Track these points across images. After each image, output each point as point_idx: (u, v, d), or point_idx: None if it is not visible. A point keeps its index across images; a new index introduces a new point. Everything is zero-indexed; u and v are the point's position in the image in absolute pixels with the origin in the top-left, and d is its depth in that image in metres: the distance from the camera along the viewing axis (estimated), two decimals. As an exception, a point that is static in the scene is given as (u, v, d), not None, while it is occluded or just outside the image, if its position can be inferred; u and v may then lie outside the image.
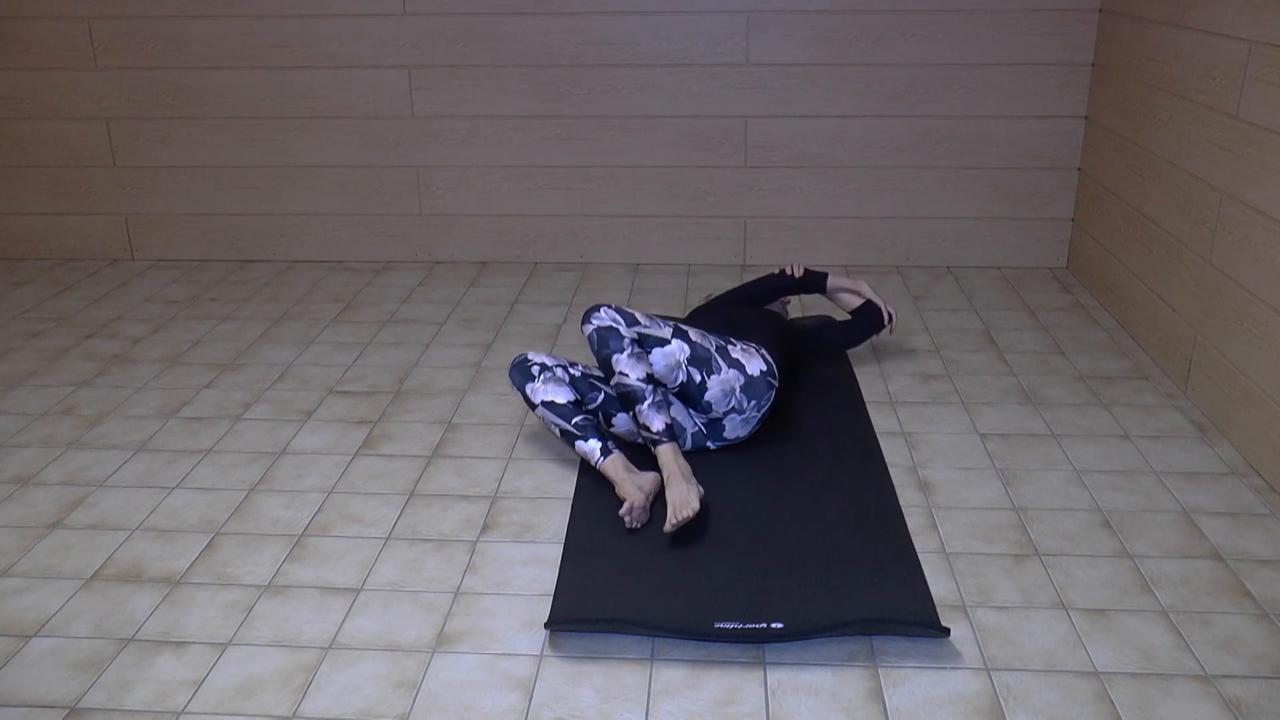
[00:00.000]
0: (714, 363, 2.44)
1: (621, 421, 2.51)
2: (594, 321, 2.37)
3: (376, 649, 1.90)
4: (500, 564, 2.15)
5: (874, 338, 3.20)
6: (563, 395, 2.43)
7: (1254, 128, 2.56)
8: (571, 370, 2.49)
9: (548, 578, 2.10)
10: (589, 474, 2.45)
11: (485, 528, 2.28)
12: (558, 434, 2.42)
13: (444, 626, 1.96)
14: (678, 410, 2.49)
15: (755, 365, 2.48)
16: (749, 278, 3.88)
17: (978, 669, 1.83)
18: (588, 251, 4.05)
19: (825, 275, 3.01)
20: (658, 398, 2.33)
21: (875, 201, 3.91)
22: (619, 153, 3.91)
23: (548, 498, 2.40)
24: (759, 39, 3.74)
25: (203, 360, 3.17)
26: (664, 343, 2.41)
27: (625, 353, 2.34)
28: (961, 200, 3.89)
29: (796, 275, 3.00)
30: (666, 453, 2.28)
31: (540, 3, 3.75)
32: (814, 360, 3.09)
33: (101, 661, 1.87)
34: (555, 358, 2.52)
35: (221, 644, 1.91)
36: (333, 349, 3.25)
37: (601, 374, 2.49)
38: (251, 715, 1.74)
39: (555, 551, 2.19)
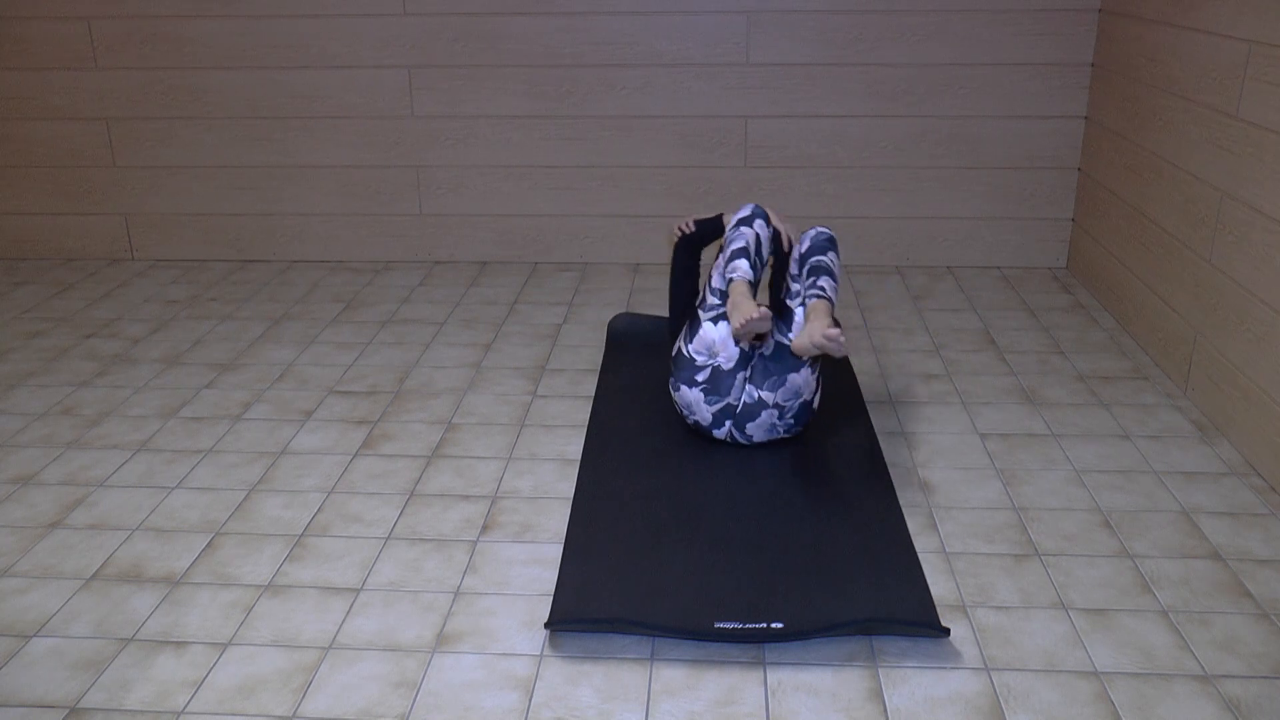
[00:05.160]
0: (817, 364, 2.53)
1: (721, 330, 2.51)
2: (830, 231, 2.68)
3: (376, 649, 1.90)
4: (500, 564, 2.15)
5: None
6: (765, 251, 2.55)
7: (1254, 128, 2.56)
8: (767, 268, 2.63)
9: (548, 578, 2.10)
10: (589, 473, 2.45)
11: (485, 528, 2.28)
12: (735, 246, 2.51)
13: (444, 626, 1.96)
14: (740, 376, 2.50)
15: (817, 400, 2.56)
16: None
17: (978, 669, 1.83)
18: (588, 251, 4.05)
19: (719, 216, 2.91)
20: (838, 287, 2.55)
21: (875, 201, 3.91)
22: (619, 153, 3.91)
23: (548, 498, 2.40)
24: (759, 39, 3.74)
25: (203, 360, 3.17)
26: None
27: (839, 261, 2.58)
28: (961, 200, 3.89)
29: (688, 231, 2.91)
30: (827, 306, 2.42)
31: (540, 3, 3.75)
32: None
33: (101, 661, 1.87)
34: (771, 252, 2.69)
35: (221, 644, 1.92)
36: (333, 349, 3.25)
37: (805, 258, 2.57)
38: (251, 715, 1.74)
39: (555, 551, 2.19)
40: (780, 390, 2.47)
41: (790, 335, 2.51)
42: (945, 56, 3.72)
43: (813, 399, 2.52)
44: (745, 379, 2.50)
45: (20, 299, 3.72)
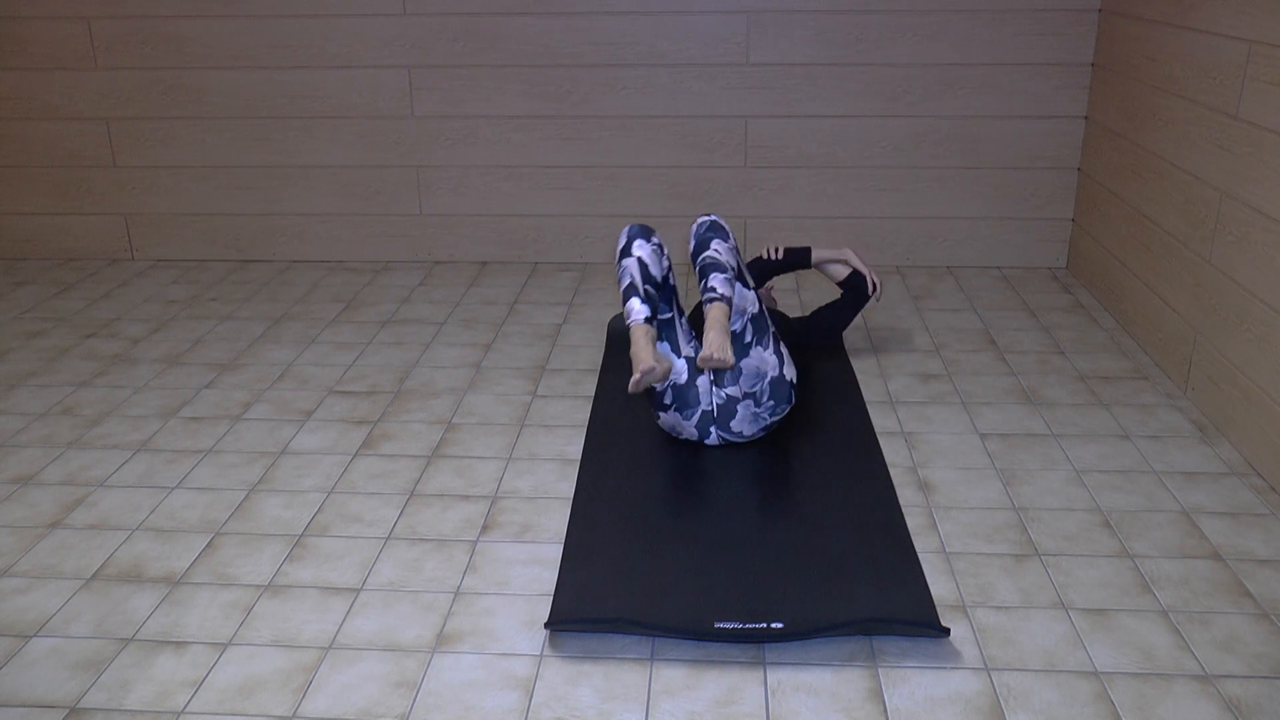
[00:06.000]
0: (767, 337, 2.51)
1: (658, 351, 2.50)
2: (712, 216, 2.59)
3: (376, 649, 1.90)
4: (500, 564, 2.15)
5: (865, 309, 3.24)
6: (656, 269, 2.48)
7: (1254, 128, 2.56)
8: (671, 275, 2.56)
9: (548, 578, 2.10)
10: (589, 473, 2.45)
11: (485, 528, 2.28)
12: (623, 284, 2.47)
13: (444, 626, 1.96)
14: (702, 382, 2.50)
15: (790, 371, 2.53)
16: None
17: (978, 669, 1.83)
18: (588, 251, 4.05)
19: (808, 250, 3.00)
20: (732, 276, 2.44)
21: (875, 201, 3.91)
22: (619, 153, 3.91)
23: (548, 498, 2.40)
24: (759, 39, 3.74)
25: (203, 360, 3.18)
26: (746, 285, 2.51)
27: (727, 244, 2.50)
28: (961, 200, 3.89)
29: (776, 258, 3.00)
30: (721, 308, 2.37)
31: (540, 3, 3.75)
32: (815, 357, 3.09)
33: (101, 661, 1.87)
34: (669, 255, 2.59)
35: (221, 644, 1.92)
36: (333, 349, 3.25)
37: (694, 258, 2.53)
38: (251, 715, 1.74)
39: (555, 551, 2.19)
40: (742, 379, 2.47)
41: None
42: (945, 56, 3.72)
43: (781, 372, 2.50)
44: (710, 382, 2.50)
45: (20, 299, 3.72)
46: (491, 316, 3.52)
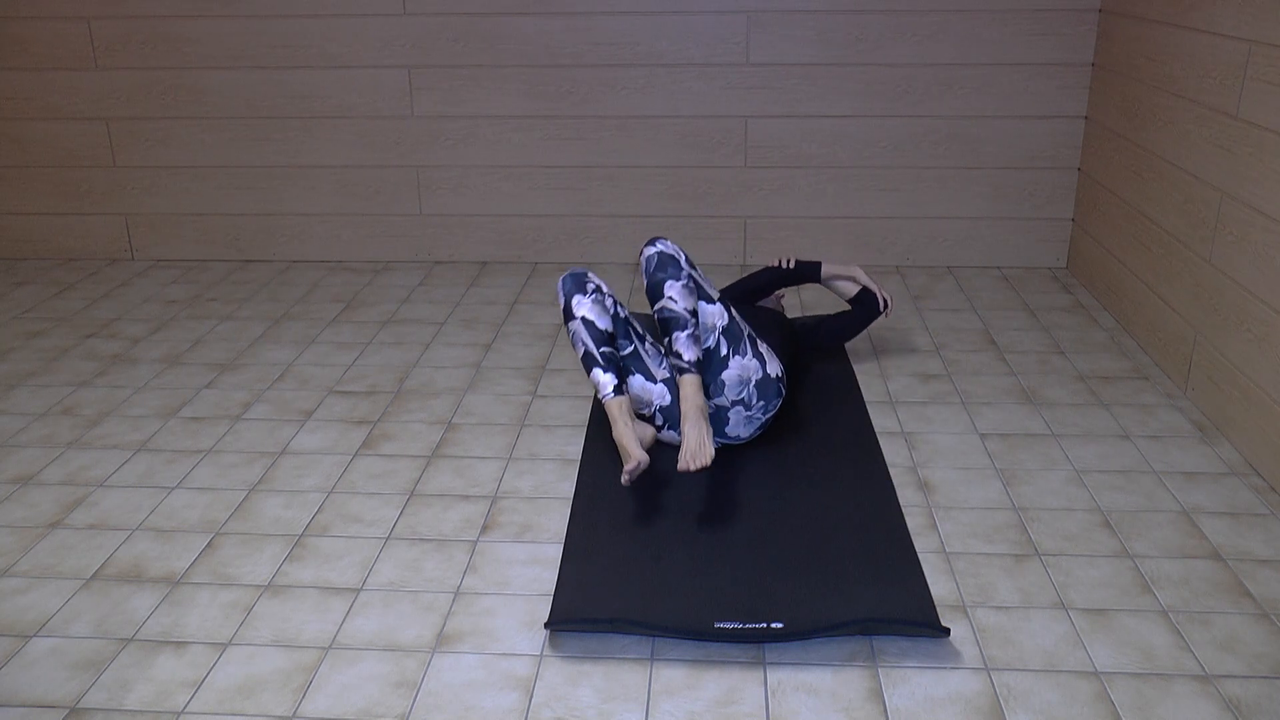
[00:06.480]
0: (743, 344, 2.46)
1: (635, 384, 2.47)
2: (658, 245, 2.38)
3: (376, 649, 1.90)
4: (500, 564, 2.15)
5: (872, 324, 3.26)
6: (603, 322, 2.39)
7: (1254, 128, 2.56)
8: (619, 308, 2.49)
9: (548, 578, 2.10)
10: (589, 473, 2.45)
11: (485, 528, 2.28)
12: (580, 353, 2.38)
13: (444, 626, 1.96)
14: None
15: (774, 367, 2.51)
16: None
17: (978, 669, 1.83)
18: (588, 251, 4.05)
19: (819, 265, 3.01)
20: (695, 330, 2.33)
21: (875, 201, 3.91)
22: (619, 153, 3.91)
23: (548, 498, 2.40)
24: (759, 39, 3.74)
25: (203, 360, 3.18)
26: (710, 300, 2.45)
27: (680, 283, 2.34)
28: (961, 200, 3.89)
29: (788, 267, 3.00)
30: (691, 384, 2.27)
31: (540, 3, 3.75)
32: (814, 357, 3.09)
33: (101, 661, 1.87)
34: (610, 290, 2.50)
35: (221, 644, 1.92)
36: (333, 349, 3.25)
37: (649, 300, 2.40)
38: (251, 715, 1.74)
39: (555, 551, 2.19)
40: (728, 389, 2.46)
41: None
42: (945, 56, 3.72)
43: (766, 371, 2.48)
44: None
45: (20, 299, 3.72)
46: (491, 316, 3.52)
